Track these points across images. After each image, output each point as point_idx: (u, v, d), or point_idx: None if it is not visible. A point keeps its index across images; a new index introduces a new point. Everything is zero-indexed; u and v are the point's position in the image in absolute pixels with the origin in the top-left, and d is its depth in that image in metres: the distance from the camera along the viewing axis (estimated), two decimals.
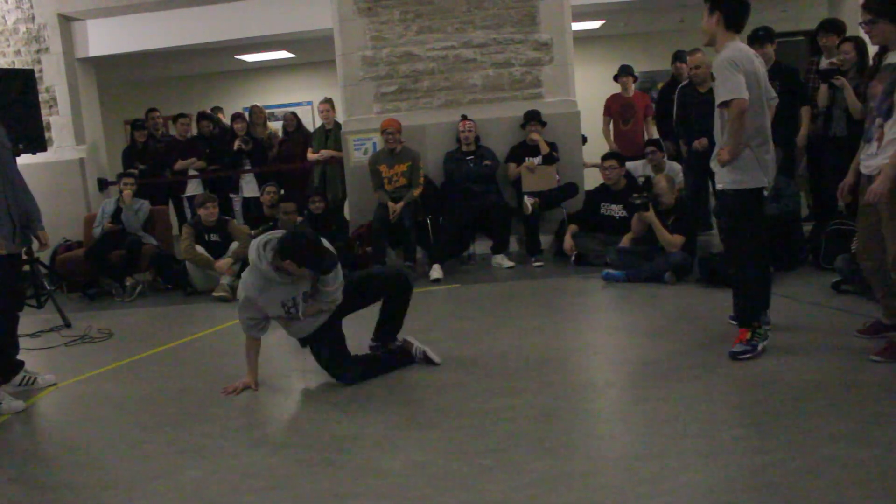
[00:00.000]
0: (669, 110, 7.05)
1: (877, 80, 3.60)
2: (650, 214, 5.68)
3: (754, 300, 3.88)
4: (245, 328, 3.84)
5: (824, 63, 6.13)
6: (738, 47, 3.77)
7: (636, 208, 5.79)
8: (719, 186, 3.91)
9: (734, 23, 3.80)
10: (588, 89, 9.03)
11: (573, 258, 6.51)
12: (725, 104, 3.69)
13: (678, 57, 7.41)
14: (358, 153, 7.45)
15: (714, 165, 3.90)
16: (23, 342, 5.12)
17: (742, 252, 3.90)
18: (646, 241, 5.95)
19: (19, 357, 4.41)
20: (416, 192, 6.82)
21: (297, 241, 3.63)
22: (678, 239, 5.62)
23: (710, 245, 6.50)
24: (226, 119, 9.61)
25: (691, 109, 6.60)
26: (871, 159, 3.56)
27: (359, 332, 4.20)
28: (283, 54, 11.13)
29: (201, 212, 6.72)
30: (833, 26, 6.18)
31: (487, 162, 7.06)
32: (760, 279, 3.95)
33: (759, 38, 5.95)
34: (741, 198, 3.81)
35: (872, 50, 4.05)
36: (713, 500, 2.37)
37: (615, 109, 8.05)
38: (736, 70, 3.66)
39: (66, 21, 8.22)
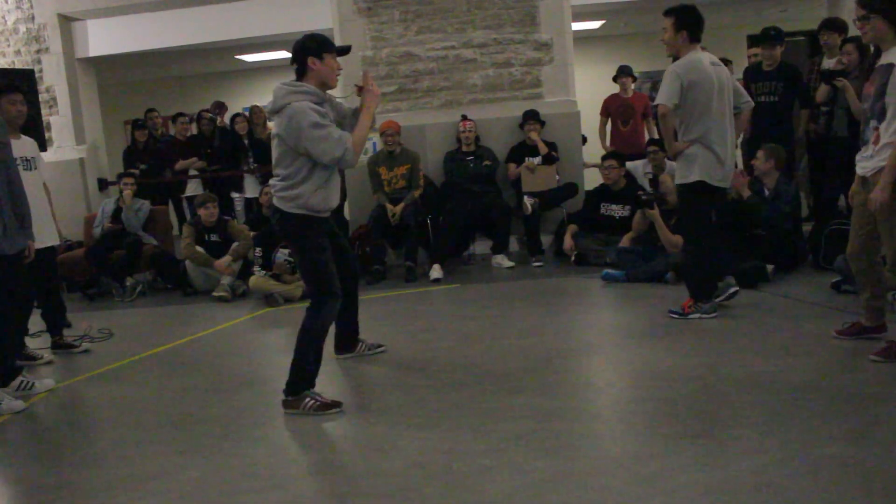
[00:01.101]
0: None
1: (870, 81, 3.60)
2: (655, 212, 5.68)
3: (701, 281, 4.52)
4: (338, 148, 3.33)
5: (826, 63, 6.14)
6: (690, 59, 4.33)
7: (642, 204, 5.80)
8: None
9: (696, 36, 4.35)
10: (588, 89, 9.02)
11: (573, 258, 6.51)
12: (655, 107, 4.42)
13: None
14: None
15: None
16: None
17: (691, 240, 4.55)
18: (646, 241, 5.96)
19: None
20: (416, 193, 6.82)
21: (314, 35, 3.53)
22: (679, 239, 5.61)
23: None
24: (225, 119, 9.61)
25: None
26: (866, 161, 3.57)
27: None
28: (283, 54, 11.11)
29: (201, 212, 6.72)
30: (834, 25, 6.18)
31: (487, 162, 7.06)
32: (708, 264, 4.54)
33: (769, 39, 5.98)
34: (684, 191, 4.45)
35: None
36: (713, 500, 2.37)
37: (614, 110, 8.05)
38: (674, 79, 4.26)
39: (66, 21, 8.22)
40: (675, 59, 4.40)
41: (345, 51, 3.66)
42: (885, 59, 3.48)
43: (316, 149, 3.36)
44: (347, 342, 4.24)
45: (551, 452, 2.82)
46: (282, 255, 6.05)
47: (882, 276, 3.73)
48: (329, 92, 3.65)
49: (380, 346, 4.33)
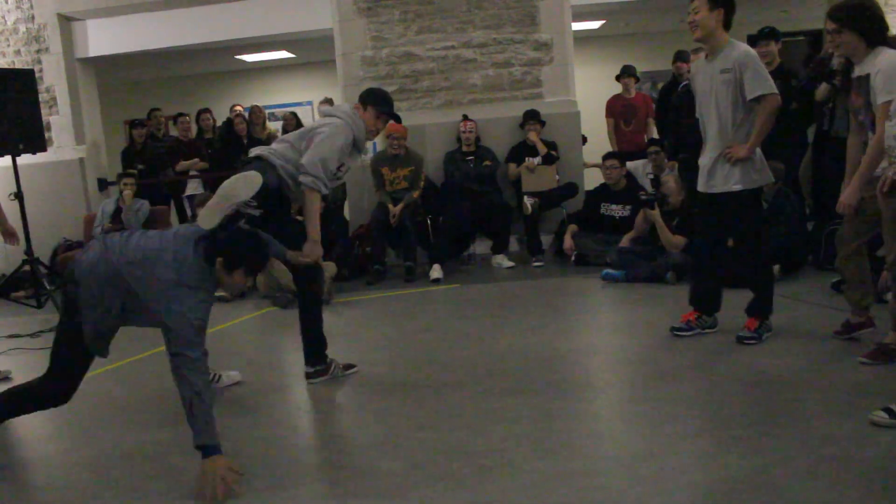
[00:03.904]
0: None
1: (854, 92, 3.60)
2: (656, 213, 5.68)
3: (771, 294, 4.05)
4: (325, 181, 3.53)
5: (835, 63, 6.14)
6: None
7: (644, 205, 5.80)
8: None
9: (730, 21, 3.87)
10: (588, 89, 9.02)
11: (573, 258, 6.51)
12: (756, 99, 3.79)
13: (680, 56, 7.41)
14: None
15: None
16: (23, 342, 5.14)
17: (756, 252, 4.03)
18: (646, 241, 5.96)
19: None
20: (416, 194, 6.82)
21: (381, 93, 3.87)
22: (680, 240, 5.62)
23: None
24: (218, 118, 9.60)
25: (684, 112, 6.60)
26: None
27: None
28: (283, 54, 11.12)
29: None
30: None
31: (487, 162, 7.06)
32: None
33: (764, 36, 6.00)
34: (748, 196, 3.93)
35: None
36: (713, 500, 2.37)
37: (617, 110, 8.05)
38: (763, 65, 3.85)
39: (66, 21, 8.21)
40: (699, 42, 4.00)
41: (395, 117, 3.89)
42: (861, 71, 3.49)
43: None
44: (317, 354, 3.88)
45: (551, 452, 2.82)
46: None
47: (865, 266, 3.78)
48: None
49: (352, 366, 4.00)
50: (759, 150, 3.89)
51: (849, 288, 3.84)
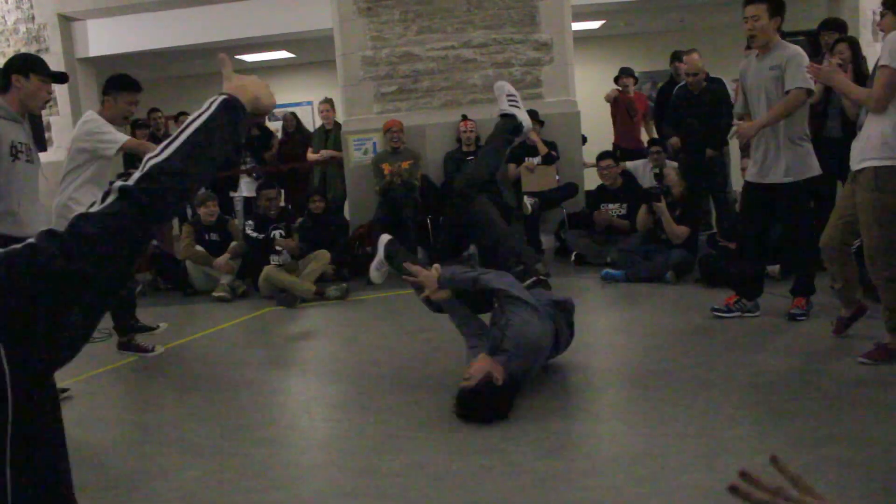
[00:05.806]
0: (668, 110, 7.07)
1: (871, 80, 3.62)
2: (662, 205, 5.69)
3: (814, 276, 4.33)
4: None
5: (826, 63, 6.14)
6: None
7: (650, 197, 5.81)
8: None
9: (781, 25, 4.18)
10: (588, 89, 9.02)
11: (573, 258, 6.50)
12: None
13: (677, 56, 7.42)
14: (358, 153, 7.46)
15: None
16: None
17: (807, 237, 4.21)
18: (646, 241, 5.96)
19: None
20: (419, 174, 6.91)
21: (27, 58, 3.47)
22: (684, 230, 5.64)
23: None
24: None
25: (683, 111, 6.60)
26: (855, 152, 3.61)
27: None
28: (283, 54, 11.13)
29: (201, 210, 6.73)
30: (835, 24, 6.18)
31: None
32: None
33: None
34: (803, 187, 4.22)
35: (869, 51, 4.08)
36: (713, 500, 2.37)
37: (617, 104, 8.06)
38: (804, 63, 4.04)
39: (66, 21, 8.22)
40: (750, 48, 4.22)
41: (61, 78, 3.58)
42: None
43: None
44: None
45: (551, 452, 2.82)
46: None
47: (854, 265, 3.80)
48: None
49: None
50: (807, 144, 4.17)
51: (843, 289, 3.85)
